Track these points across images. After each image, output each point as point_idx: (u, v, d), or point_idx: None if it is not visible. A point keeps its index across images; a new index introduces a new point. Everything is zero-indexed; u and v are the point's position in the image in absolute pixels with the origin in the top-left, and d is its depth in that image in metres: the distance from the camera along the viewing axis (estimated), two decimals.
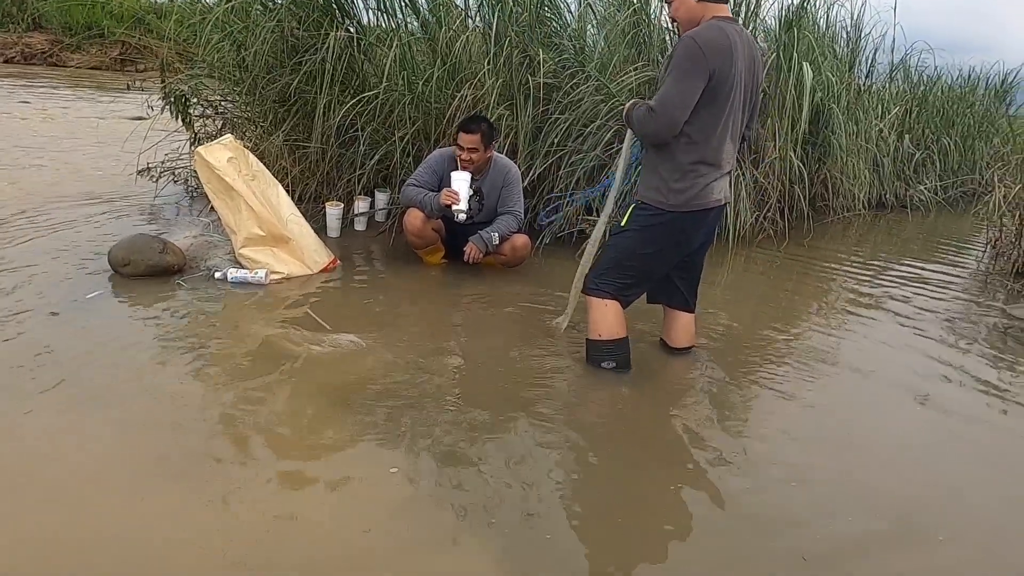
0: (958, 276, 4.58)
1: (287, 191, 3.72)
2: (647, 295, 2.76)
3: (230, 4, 4.18)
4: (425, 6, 4.35)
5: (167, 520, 1.66)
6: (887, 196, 6.51)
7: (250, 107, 4.56)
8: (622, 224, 2.54)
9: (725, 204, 2.55)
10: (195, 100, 4.71)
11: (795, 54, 4.73)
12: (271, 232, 3.36)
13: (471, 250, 3.53)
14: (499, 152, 3.82)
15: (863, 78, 6.57)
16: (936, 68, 7.74)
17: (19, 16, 13.84)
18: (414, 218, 3.55)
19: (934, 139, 7.29)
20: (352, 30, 4.17)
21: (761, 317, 3.48)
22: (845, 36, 6.23)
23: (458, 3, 4.45)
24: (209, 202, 3.50)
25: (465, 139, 3.44)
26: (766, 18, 5.14)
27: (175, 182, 4.84)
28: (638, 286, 2.60)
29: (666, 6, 2.48)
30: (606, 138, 4.12)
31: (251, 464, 1.89)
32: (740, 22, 3.72)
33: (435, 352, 2.70)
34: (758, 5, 4.93)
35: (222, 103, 4.83)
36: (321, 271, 3.49)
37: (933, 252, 5.25)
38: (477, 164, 3.51)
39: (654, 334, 2.95)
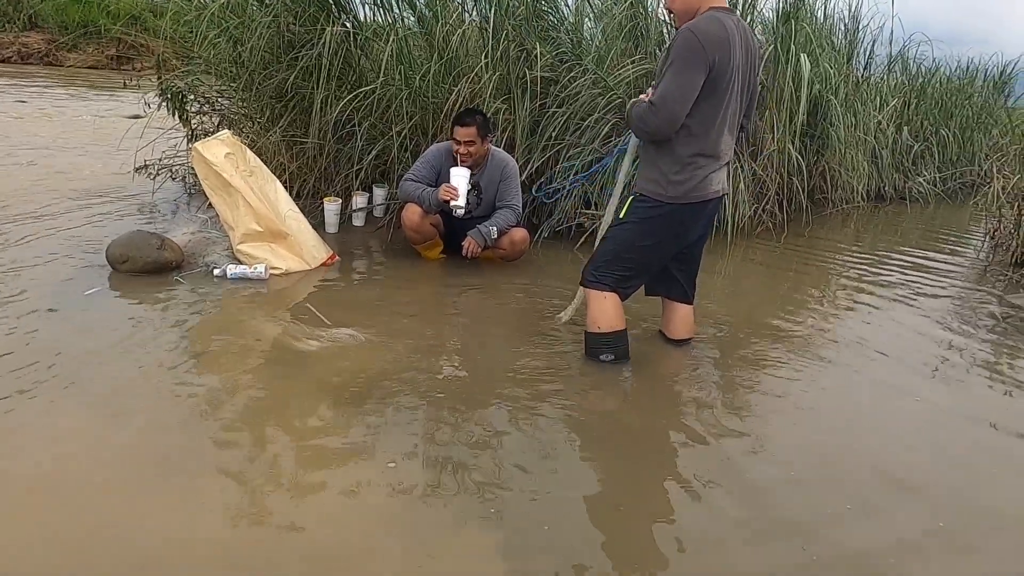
0: (957, 266, 4.58)
1: (285, 187, 3.73)
2: (645, 287, 2.75)
3: (226, 0, 4.17)
4: (421, 0, 4.34)
5: (167, 519, 1.65)
6: (886, 188, 6.51)
7: (247, 103, 4.55)
8: (621, 216, 2.54)
9: (723, 196, 2.55)
10: (192, 97, 4.70)
11: (793, 46, 4.72)
12: (269, 228, 3.36)
13: (469, 244, 3.53)
14: (497, 146, 3.81)
15: (861, 70, 6.56)
16: (934, 60, 7.75)
17: (15, 15, 13.81)
18: (412, 213, 3.55)
19: (933, 131, 7.28)
20: (348, 25, 4.16)
21: (760, 308, 3.48)
22: (843, 28, 6.23)
23: None
24: (207, 198, 3.50)
25: (461, 133, 3.44)
26: (764, 10, 5.14)
27: (173, 179, 4.84)
28: (637, 278, 2.60)
29: None
30: (604, 131, 4.12)
31: (251, 461, 1.88)
32: (738, 13, 3.71)
33: (434, 346, 2.70)
34: None
35: (219, 99, 4.82)
36: (319, 266, 3.49)
37: (932, 243, 5.25)
38: (475, 157, 3.51)
39: (653, 326, 2.95)
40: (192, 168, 3.90)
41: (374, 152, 4.16)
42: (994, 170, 5.00)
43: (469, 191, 3.51)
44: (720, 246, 4.32)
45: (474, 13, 4.41)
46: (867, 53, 6.62)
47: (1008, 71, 8.42)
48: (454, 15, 4.28)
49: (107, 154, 5.70)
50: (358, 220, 4.28)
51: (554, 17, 4.46)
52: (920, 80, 7.46)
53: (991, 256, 4.75)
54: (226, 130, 3.84)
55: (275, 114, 4.32)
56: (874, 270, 4.33)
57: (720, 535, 1.75)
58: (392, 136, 4.08)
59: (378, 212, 4.33)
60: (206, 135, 4.36)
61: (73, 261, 3.29)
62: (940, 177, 7.14)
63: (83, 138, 6.55)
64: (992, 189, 4.74)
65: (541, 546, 1.65)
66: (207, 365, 2.42)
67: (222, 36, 4.32)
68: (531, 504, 1.79)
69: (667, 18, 4.51)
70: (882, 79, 7.00)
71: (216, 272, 3.25)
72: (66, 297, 2.87)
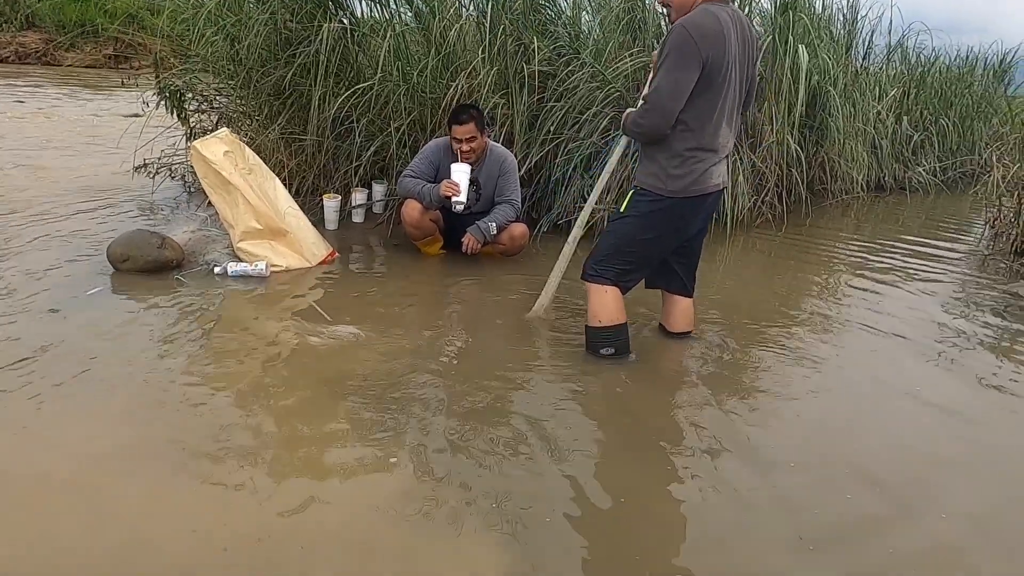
0: (958, 256, 4.57)
1: (284, 184, 3.73)
2: (645, 280, 2.76)
3: None
4: None
5: (169, 518, 1.66)
6: (886, 178, 6.50)
7: (245, 101, 4.55)
8: (621, 210, 2.54)
9: (723, 189, 2.55)
10: (190, 95, 4.70)
11: (791, 37, 4.70)
12: (269, 225, 3.37)
13: (469, 241, 3.53)
14: (495, 141, 3.81)
15: (860, 60, 6.54)
16: (934, 49, 7.72)
17: (12, 15, 13.78)
18: (412, 209, 3.55)
19: (932, 120, 7.26)
20: (345, 21, 4.15)
21: (760, 300, 3.48)
22: (841, 18, 6.21)
23: None
24: (206, 197, 3.50)
25: (460, 131, 3.44)
26: (761, 1, 5.12)
27: (172, 178, 4.84)
28: (637, 271, 2.61)
29: None
30: (602, 125, 4.11)
31: (252, 459, 1.89)
32: (735, 4, 3.70)
33: (435, 342, 2.71)
34: None
35: (217, 98, 4.82)
36: (320, 264, 3.49)
37: (932, 233, 5.25)
38: (477, 152, 3.51)
39: (653, 319, 2.95)
40: (191, 166, 3.91)
41: (373, 148, 4.16)
42: (994, 159, 4.98)
43: (468, 187, 3.51)
44: (720, 238, 4.32)
45: (471, 8, 4.40)
46: (866, 43, 6.61)
47: (1008, 59, 8.40)
48: (451, 10, 4.27)
49: (106, 153, 5.70)
50: (358, 216, 4.28)
51: (551, 11, 4.45)
52: (919, 69, 7.44)
53: (991, 245, 4.75)
54: (224, 128, 3.84)
55: (273, 111, 4.32)
56: (874, 261, 4.33)
57: (719, 528, 1.76)
58: (390, 132, 4.08)
59: (377, 208, 4.33)
60: (204, 133, 4.36)
61: (74, 261, 3.30)
62: (940, 167, 7.13)
63: (81, 137, 6.55)
64: (992, 178, 4.74)
65: (543, 540, 1.66)
66: (209, 364, 2.42)
67: (219, 34, 4.31)
68: (533, 498, 1.80)
69: (663, 11, 4.48)
70: (881, 69, 6.99)
71: (217, 270, 3.26)
72: (67, 297, 2.88)
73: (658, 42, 4.51)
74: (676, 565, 1.63)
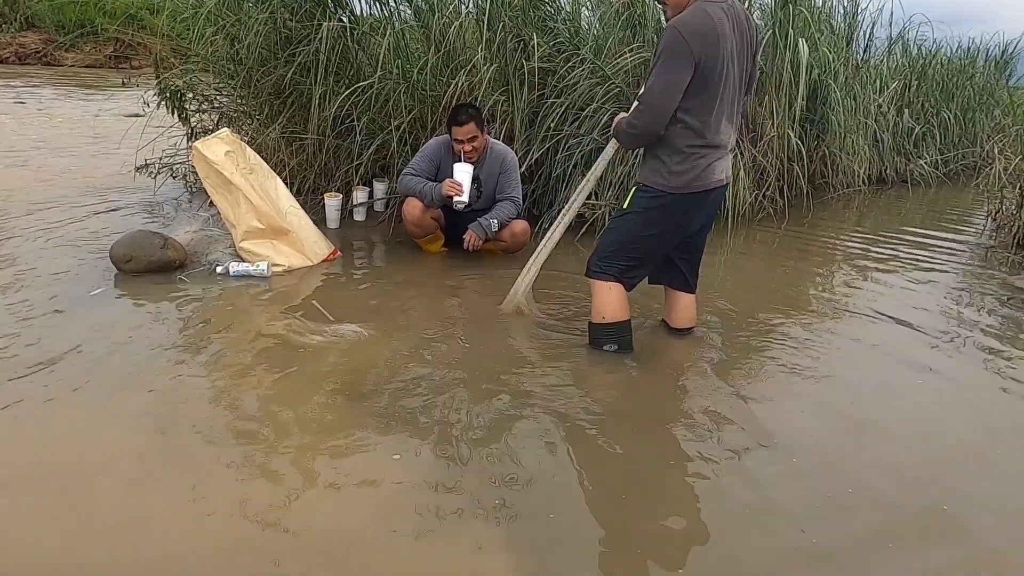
0: (960, 248, 4.57)
1: (285, 183, 3.73)
2: (648, 276, 2.76)
3: None
4: None
5: (171, 517, 1.67)
6: (887, 171, 6.49)
7: (245, 100, 4.55)
8: (624, 207, 2.54)
9: (727, 184, 2.55)
10: (191, 95, 4.70)
11: (791, 31, 4.70)
12: (270, 225, 3.37)
13: (470, 238, 3.53)
14: (495, 138, 3.81)
15: (861, 53, 6.52)
16: (935, 41, 7.70)
17: (12, 16, 13.79)
18: (413, 207, 3.56)
19: (934, 113, 7.25)
20: (345, 20, 4.15)
21: (762, 295, 3.48)
22: (842, 11, 6.18)
23: None
24: (208, 197, 3.51)
25: (460, 132, 3.44)
26: None
27: (174, 178, 4.84)
28: (641, 268, 2.61)
29: None
30: (603, 121, 4.11)
31: (255, 458, 1.90)
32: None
33: (437, 339, 2.72)
34: None
35: (217, 97, 4.82)
36: (321, 262, 3.50)
37: (934, 225, 5.24)
38: (479, 151, 3.51)
39: (656, 315, 2.96)
40: (193, 166, 3.91)
41: (373, 146, 4.16)
42: (996, 151, 4.97)
43: (470, 185, 3.51)
44: (721, 233, 4.31)
45: (470, 5, 4.39)
46: (867, 36, 6.59)
47: (1010, 51, 8.38)
48: (450, 7, 4.26)
49: (107, 153, 5.71)
50: (359, 215, 4.29)
51: (551, 7, 4.45)
52: (921, 62, 7.40)
53: (993, 237, 4.74)
54: (225, 128, 3.85)
55: (274, 111, 4.32)
56: (876, 254, 4.32)
57: (723, 523, 1.76)
58: (391, 130, 4.08)
59: (379, 207, 4.33)
60: (205, 133, 4.37)
61: (77, 261, 3.31)
62: (942, 159, 7.12)
63: (82, 137, 6.55)
64: (994, 170, 4.73)
65: (546, 537, 1.67)
66: (212, 363, 2.43)
67: (219, 33, 4.31)
68: (535, 494, 1.80)
69: (659, 9, 4.48)
70: (882, 61, 6.97)
71: (219, 270, 3.27)
72: (71, 298, 2.89)
73: (658, 37, 4.52)
74: (680, 563, 1.64)
